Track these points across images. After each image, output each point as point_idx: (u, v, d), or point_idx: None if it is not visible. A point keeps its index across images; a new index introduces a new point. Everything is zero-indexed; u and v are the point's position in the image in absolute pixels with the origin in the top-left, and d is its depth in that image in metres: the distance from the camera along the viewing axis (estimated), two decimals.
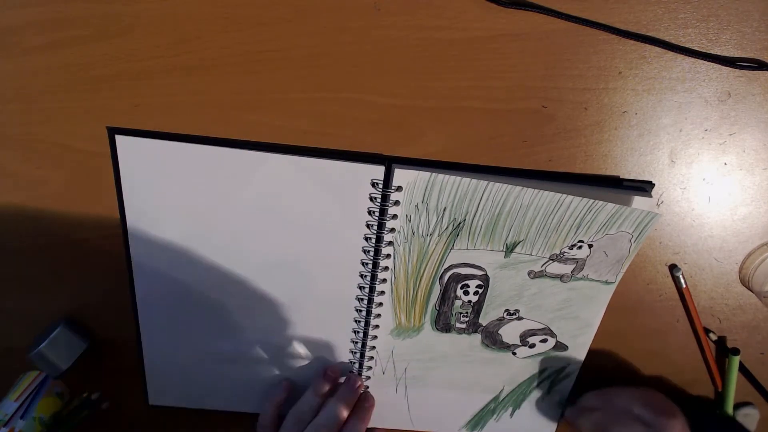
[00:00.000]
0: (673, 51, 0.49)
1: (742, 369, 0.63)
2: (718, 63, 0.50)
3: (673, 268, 0.58)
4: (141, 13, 0.47)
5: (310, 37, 0.48)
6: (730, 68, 0.50)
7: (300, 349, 0.62)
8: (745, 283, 0.59)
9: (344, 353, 0.62)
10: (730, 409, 0.64)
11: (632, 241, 0.53)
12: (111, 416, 0.67)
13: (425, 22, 0.48)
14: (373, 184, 0.51)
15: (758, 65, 0.50)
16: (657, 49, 0.49)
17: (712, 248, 0.58)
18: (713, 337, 0.62)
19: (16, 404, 0.59)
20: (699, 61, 0.50)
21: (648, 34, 0.49)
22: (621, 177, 0.54)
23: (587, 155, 0.53)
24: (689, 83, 0.51)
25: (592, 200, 0.50)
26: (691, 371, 0.65)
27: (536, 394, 0.65)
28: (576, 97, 0.51)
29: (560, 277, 0.56)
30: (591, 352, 0.64)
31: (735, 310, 0.61)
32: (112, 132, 0.50)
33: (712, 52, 0.50)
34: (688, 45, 0.49)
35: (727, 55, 0.50)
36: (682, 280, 0.58)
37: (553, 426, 0.68)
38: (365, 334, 0.60)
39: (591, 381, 0.66)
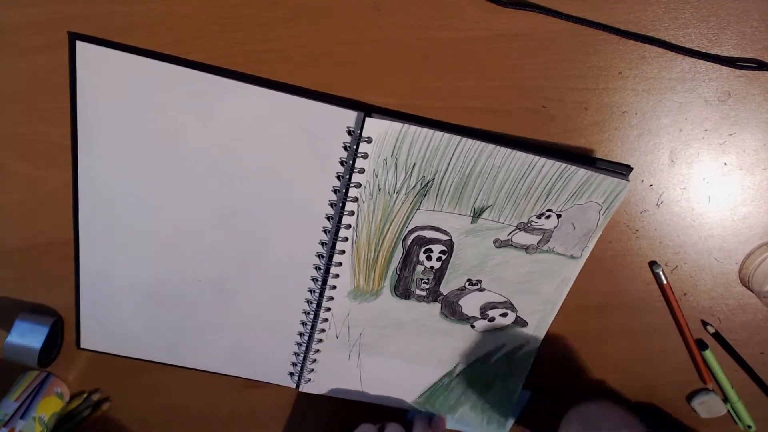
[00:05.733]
0: (673, 51, 0.49)
1: (744, 367, 0.63)
2: (718, 63, 0.50)
3: (652, 264, 0.58)
4: (141, 13, 0.47)
5: (310, 37, 0.48)
6: (730, 68, 0.50)
7: (249, 304, 0.59)
8: (745, 283, 0.59)
9: (297, 314, 0.60)
10: (732, 402, 0.65)
11: (601, 212, 0.53)
12: (111, 416, 0.67)
13: (425, 22, 0.48)
14: (350, 133, 0.49)
15: (758, 65, 0.50)
16: (657, 49, 0.49)
17: (712, 248, 0.58)
18: (711, 330, 0.62)
19: (16, 404, 0.59)
20: (699, 61, 0.50)
21: (648, 34, 0.49)
22: (599, 158, 0.53)
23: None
24: (689, 83, 0.51)
25: (564, 165, 0.50)
26: (691, 370, 0.65)
27: (492, 373, 0.64)
28: (576, 97, 0.51)
29: (526, 248, 0.55)
30: (587, 351, 0.64)
31: (735, 310, 0.61)
32: (73, 38, 0.46)
33: (712, 52, 0.50)
34: (688, 45, 0.49)
35: (727, 55, 0.50)
36: (663, 277, 0.58)
37: (508, 416, 0.67)
38: (321, 294, 0.57)
39: (588, 380, 0.66)
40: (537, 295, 0.59)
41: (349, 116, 0.49)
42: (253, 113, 0.49)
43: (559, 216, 0.53)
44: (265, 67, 0.49)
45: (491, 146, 0.49)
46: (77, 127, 0.50)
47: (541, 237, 0.55)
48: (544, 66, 0.50)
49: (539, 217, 0.53)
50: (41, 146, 0.52)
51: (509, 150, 0.49)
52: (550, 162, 0.50)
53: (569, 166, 0.50)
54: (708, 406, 0.66)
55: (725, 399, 0.65)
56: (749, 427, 0.66)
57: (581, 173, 0.50)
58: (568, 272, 0.57)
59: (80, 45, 0.47)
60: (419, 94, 0.50)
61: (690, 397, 0.66)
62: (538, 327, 0.61)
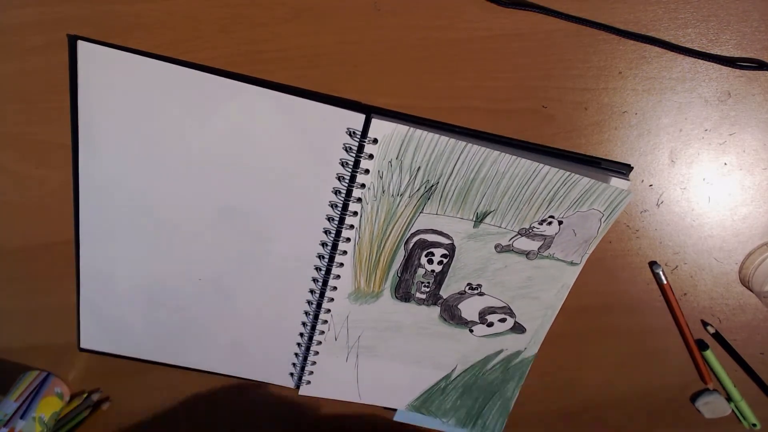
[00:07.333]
0: (673, 51, 0.49)
1: (744, 367, 0.63)
2: (718, 63, 0.50)
3: (653, 264, 0.58)
4: (141, 13, 0.47)
5: (310, 37, 0.48)
6: (730, 68, 0.50)
7: (249, 305, 0.59)
8: (745, 283, 0.59)
9: (298, 314, 0.60)
10: (735, 401, 0.65)
11: (602, 220, 0.53)
12: (111, 416, 0.67)
13: (425, 22, 0.48)
14: (350, 134, 0.49)
15: (758, 65, 0.50)
16: (657, 49, 0.49)
17: (712, 248, 0.58)
18: (711, 330, 0.62)
19: (16, 404, 0.59)
20: (699, 61, 0.50)
21: (648, 34, 0.49)
22: (600, 157, 0.53)
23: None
24: (689, 83, 0.51)
25: (567, 172, 0.50)
26: (691, 370, 0.65)
27: (488, 378, 0.64)
28: (576, 97, 0.51)
29: (526, 254, 0.56)
30: (587, 351, 0.64)
31: (735, 310, 0.61)
32: (74, 39, 0.47)
33: (712, 52, 0.50)
34: (688, 45, 0.49)
35: (727, 55, 0.50)
36: (663, 277, 0.58)
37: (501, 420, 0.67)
38: (322, 295, 0.57)
39: (588, 381, 0.66)
40: (536, 301, 0.59)
41: (350, 117, 0.49)
42: (252, 114, 0.49)
43: (560, 223, 0.53)
44: (265, 67, 0.49)
45: (496, 152, 0.49)
46: (78, 127, 0.50)
47: (542, 243, 0.55)
48: (544, 66, 0.50)
49: (541, 223, 0.53)
50: (41, 146, 0.52)
51: (513, 156, 0.49)
52: (554, 170, 0.50)
53: (573, 174, 0.50)
54: (712, 407, 0.66)
55: (728, 398, 0.65)
56: (754, 425, 0.66)
57: (584, 182, 0.50)
58: (568, 278, 0.58)
59: (81, 44, 0.47)
60: (419, 94, 0.50)
61: (694, 397, 0.66)
62: (536, 333, 0.61)
